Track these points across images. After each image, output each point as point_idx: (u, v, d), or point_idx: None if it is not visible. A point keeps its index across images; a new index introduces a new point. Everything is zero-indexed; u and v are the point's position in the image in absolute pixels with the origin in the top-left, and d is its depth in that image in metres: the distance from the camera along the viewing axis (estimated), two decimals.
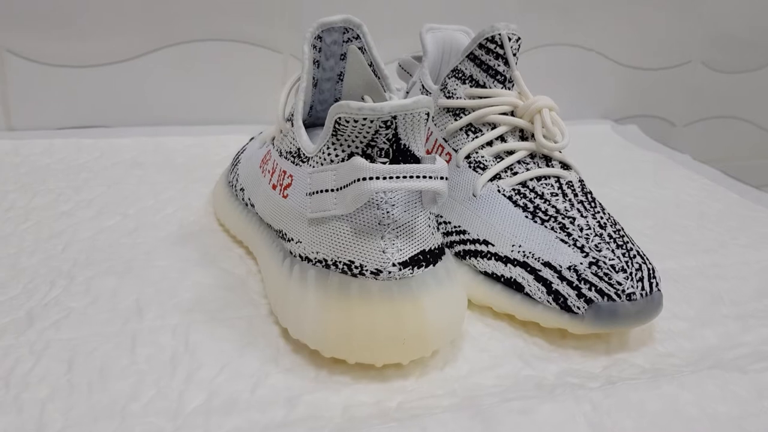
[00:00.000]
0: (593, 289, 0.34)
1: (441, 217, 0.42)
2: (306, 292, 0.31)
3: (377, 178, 0.29)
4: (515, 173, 0.40)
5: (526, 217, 0.38)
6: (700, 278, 0.44)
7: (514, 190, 0.40)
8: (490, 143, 0.42)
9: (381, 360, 0.31)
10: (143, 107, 0.63)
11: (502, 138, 0.42)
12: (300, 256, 0.33)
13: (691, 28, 0.82)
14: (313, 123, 0.43)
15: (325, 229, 0.32)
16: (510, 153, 0.41)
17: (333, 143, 0.31)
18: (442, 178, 0.31)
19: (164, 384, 0.30)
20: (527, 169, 0.41)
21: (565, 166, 0.42)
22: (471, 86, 0.43)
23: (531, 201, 0.39)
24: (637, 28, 0.78)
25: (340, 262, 0.31)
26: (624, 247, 0.36)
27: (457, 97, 0.43)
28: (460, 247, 0.39)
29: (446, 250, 0.35)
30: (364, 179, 0.29)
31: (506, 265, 0.37)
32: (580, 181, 0.41)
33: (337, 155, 0.31)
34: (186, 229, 0.45)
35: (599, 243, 0.36)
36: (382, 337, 0.30)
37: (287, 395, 0.30)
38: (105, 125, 0.62)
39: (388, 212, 0.31)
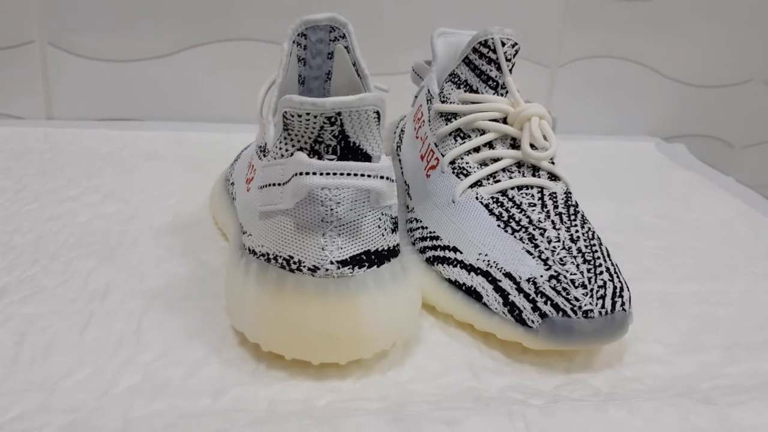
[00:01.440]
0: (549, 303, 0.33)
1: (419, 221, 0.41)
2: (247, 285, 0.32)
3: (314, 173, 0.29)
4: (497, 181, 0.39)
5: (498, 226, 0.37)
6: (698, 304, 0.41)
7: (492, 198, 0.38)
8: (477, 149, 0.41)
9: (316, 358, 0.31)
10: (175, 103, 0.66)
11: (490, 145, 0.41)
12: (248, 249, 0.33)
13: (754, 45, 0.77)
14: None
15: (271, 223, 0.32)
16: (496, 160, 0.40)
17: (284, 138, 0.31)
18: (382, 177, 0.30)
19: (102, 364, 0.31)
20: (510, 178, 0.39)
21: (553, 176, 0.40)
22: (465, 91, 0.42)
23: (507, 210, 0.37)
24: (693, 43, 0.74)
25: (280, 256, 0.31)
26: (592, 262, 0.34)
27: (451, 102, 0.42)
28: (431, 253, 0.39)
29: (404, 252, 0.34)
30: (302, 174, 0.29)
31: (469, 274, 0.36)
32: (566, 193, 0.40)
33: (287, 150, 0.31)
34: (179, 220, 0.46)
35: (565, 256, 0.34)
36: (314, 335, 0.30)
37: (218, 386, 0.31)
38: (138, 118, 0.65)
39: (331, 209, 0.30)
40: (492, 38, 0.41)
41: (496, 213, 0.37)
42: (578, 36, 0.71)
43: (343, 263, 0.30)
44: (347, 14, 0.65)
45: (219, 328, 0.34)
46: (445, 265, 0.37)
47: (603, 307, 0.32)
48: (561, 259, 0.34)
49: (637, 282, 0.43)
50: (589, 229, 0.38)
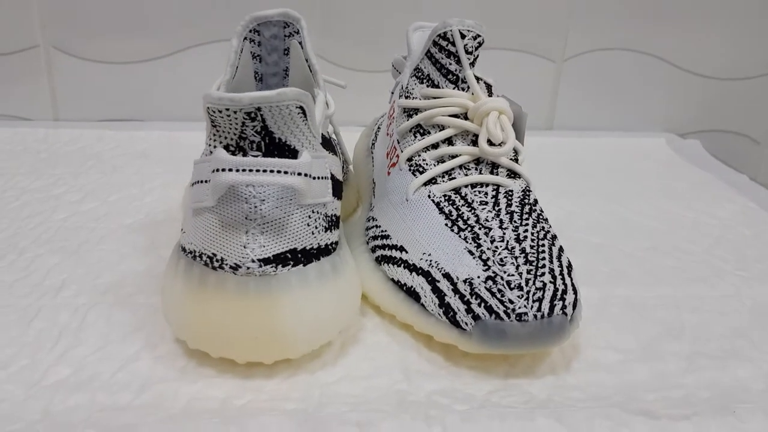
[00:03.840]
0: (483, 305, 0.31)
1: (375, 220, 0.40)
2: (176, 282, 0.32)
3: (231, 170, 0.29)
4: (453, 179, 0.38)
5: (446, 225, 0.36)
6: (666, 309, 0.39)
7: (444, 196, 0.37)
8: (435, 146, 0.40)
9: (240, 357, 0.31)
10: (177, 103, 0.67)
11: (449, 141, 0.40)
12: (181, 246, 0.33)
13: None
14: None
15: (200, 221, 0.32)
16: (454, 157, 0.39)
17: (214, 134, 0.31)
18: (300, 174, 0.30)
19: (39, 357, 0.32)
20: (466, 175, 0.38)
21: (513, 174, 0.39)
22: (427, 86, 0.41)
23: (457, 209, 0.36)
24: (711, 32, 0.71)
25: (204, 254, 0.31)
26: (534, 263, 0.33)
27: (414, 97, 0.42)
28: (380, 252, 0.38)
29: (359, 251, 0.34)
30: (219, 170, 0.29)
31: (411, 274, 0.35)
32: (525, 191, 0.38)
33: (215, 146, 0.31)
34: (151, 218, 0.47)
35: (506, 257, 0.33)
36: (235, 334, 0.30)
37: (143, 382, 0.31)
38: (141, 119, 0.67)
39: (256, 207, 0.30)
40: (450, 30, 0.40)
41: (446, 212, 0.37)
42: (585, 28, 0.69)
43: (266, 261, 0.30)
44: (343, 9, 0.65)
45: (160, 324, 0.35)
46: (390, 264, 0.37)
47: (539, 310, 0.31)
48: (501, 260, 0.33)
49: (605, 285, 0.41)
50: (543, 228, 0.36)
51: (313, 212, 0.32)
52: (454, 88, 0.40)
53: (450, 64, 0.40)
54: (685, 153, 0.67)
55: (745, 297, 0.40)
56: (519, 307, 0.31)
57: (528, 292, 0.31)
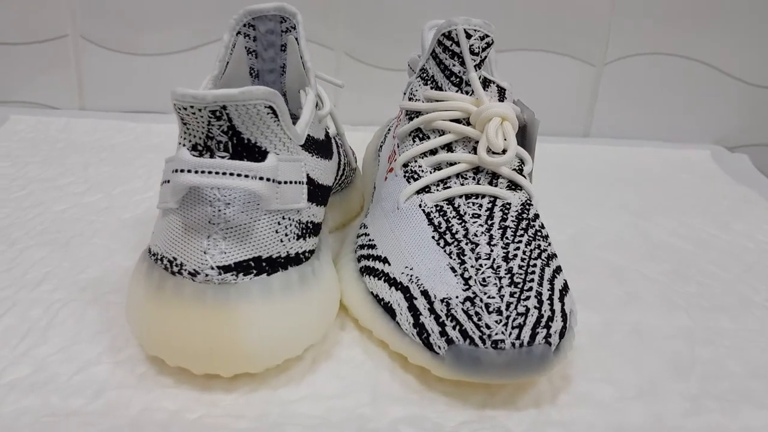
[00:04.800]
0: (458, 328, 0.29)
1: (366, 227, 0.38)
2: (138, 285, 0.30)
3: (189, 171, 0.28)
4: (448, 187, 0.36)
5: (432, 237, 0.33)
6: (680, 340, 0.35)
7: (436, 206, 0.35)
8: (434, 152, 0.37)
9: (196, 368, 0.29)
10: None
11: (449, 147, 0.37)
12: (149, 247, 0.32)
13: None
14: None
15: (165, 222, 0.30)
16: (453, 165, 0.37)
17: (185, 133, 0.30)
18: (261, 178, 0.28)
19: (1, 354, 0.31)
20: (462, 185, 0.36)
21: (514, 185, 0.36)
22: (431, 88, 0.39)
23: (447, 221, 0.34)
24: (763, 38, 0.65)
25: (165, 257, 0.29)
26: (520, 285, 0.30)
27: (417, 99, 0.39)
28: (364, 263, 0.36)
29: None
30: (178, 171, 0.28)
31: (390, 288, 0.33)
32: (525, 204, 0.35)
33: (184, 146, 0.30)
34: (149, 213, 0.46)
35: (489, 277, 0.30)
36: (190, 344, 0.28)
37: (100, 387, 0.30)
38: (165, 112, 0.66)
39: (220, 210, 0.29)
40: (455, 29, 0.37)
41: (435, 223, 0.34)
42: (627, 30, 0.65)
43: (226, 269, 0.28)
44: (372, 6, 0.63)
45: (127, 327, 0.34)
46: (371, 276, 0.34)
47: (518, 338, 0.28)
48: (484, 280, 0.30)
49: (612, 310, 0.38)
50: (539, 246, 0.33)
51: (283, 218, 0.30)
52: (457, 91, 0.38)
53: (454, 65, 0.37)
54: (730, 168, 0.62)
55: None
56: (496, 334, 0.28)
57: (508, 317, 0.29)
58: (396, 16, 0.64)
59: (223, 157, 0.29)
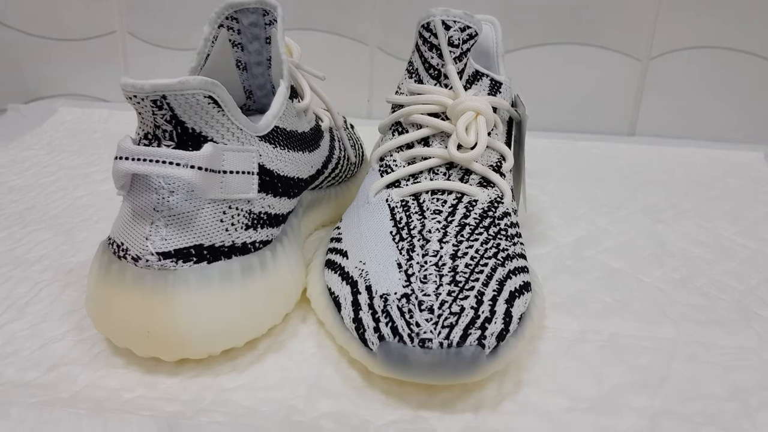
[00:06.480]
0: (390, 324, 0.28)
1: (341, 220, 0.38)
2: (93, 267, 0.32)
3: (126, 158, 0.28)
4: (417, 182, 0.35)
5: (391, 233, 0.33)
6: (658, 354, 0.33)
7: (402, 201, 0.34)
8: (410, 146, 0.37)
9: (138, 350, 0.30)
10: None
11: (426, 142, 0.36)
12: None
13: None
14: (258, 109, 0.43)
15: (122, 208, 0.31)
16: (426, 159, 0.36)
17: (141, 122, 0.31)
18: (193, 167, 0.28)
19: None
20: (431, 180, 0.35)
21: (486, 182, 0.35)
22: (415, 81, 0.38)
23: (409, 216, 0.33)
24: None
25: (115, 241, 0.30)
26: (461, 284, 0.29)
27: (401, 93, 0.39)
28: (329, 256, 0.35)
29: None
30: (117, 158, 0.29)
31: (342, 282, 0.32)
32: (493, 202, 0.34)
33: (138, 134, 0.31)
34: None
35: (431, 274, 0.29)
36: (129, 326, 0.29)
37: (54, 362, 0.31)
38: None
39: (164, 198, 0.29)
40: (432, 20, 0.36)
41: (397, 218, 0.33)
42: (675, 22, 0.61)
43: (165, 255, 0.29)
44: (400, 1, 0.62)
45: None
46: (330, 270, 0.34)
47: (447, 338, 0.27)
48: (425, 277, 0.29)
49: (593, 318, 0.35)
50: (498, 246, 0.32)
51: (230, 208, 0.30)
52: (435, 84, 0.37)
53: (432, 57, 0.36)
54: None
55: (764, 351, 0.33)
56: (424, 332, 0.27)
57: (439, 316, 0.28)
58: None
59: (168, 146, 0.29)
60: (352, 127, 0.51)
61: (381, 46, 0.65)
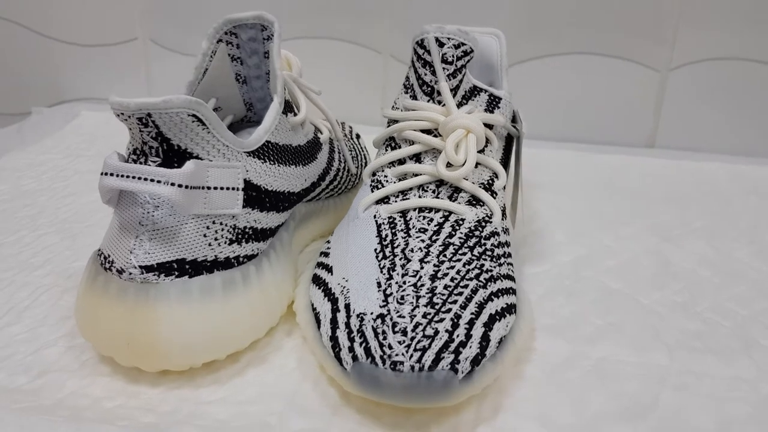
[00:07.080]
0: (363, 345, 0.28)
1: (332, 234, 0.38)
2: (83, 276, 0.32)
3: (111, 174, 0.29)
4: (406, 199, 0.35)
5: (375, 250, 0.33)
6: (646, 382, 0.32)
7: (389, 218, 0.34)
8: (402, 162, 0.37)
9: (120, 360, 0.31)
10: None
11: (418, 158, 0.36)
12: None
13: None
14: (258, 121, 0.43)
15: (111, 221, 0.32)
16: (416, 176, 0.36)
17: (131, 137, 0.31)
18: (173, 184, 0.28)
19: None
20: (420, 197, 0.35)
21: (475, 200, 0.35)
22: (410, 97, 0.38)
23: (394, 233, 0.33)
24: None
25: (102, 253, 0.31)
26: (438, 306, 0.29)
27: (396, 108, 0.39)
28: (316, 270, 0.35)
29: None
30: (102, 174, 0.29)
31: (324, 299, 0.32)
32: (481, 221, 0.34)
33: (128, 149, 0.31)
34: None
35: (408, 294, 0.29)
36: (110, 336, 0.30)
37: (44, 368, 0.32)
38: None
39: (149, 212, 0.30)
40: (426, 37, 0.36)
41: (382, 235, 0.33)
42: (695, 33, 0.59)
43: (148, 269, 0.30)
44: (413, 10, 0.62)
45: None
46: (314, 285, 0.34)
47: (419, 361, 0.27)
48: (402, 297, 0.29)
49: (582, 342, 0.35)
50: (481, 267, 0.31)
51: (213, 223, 0.31)
52: (428, 101, 0.37)
53: (425, 74, 0.36)
54: None
55: (764, 385, 0.32)
56: (396, 354, 0.27)
57: (412, 339, 0.27)
58: (443, 21, 0.62)
59: (155, 162, 0.30)
60: (358, 137, 0.51)
61: (394, 54, 0.65)
